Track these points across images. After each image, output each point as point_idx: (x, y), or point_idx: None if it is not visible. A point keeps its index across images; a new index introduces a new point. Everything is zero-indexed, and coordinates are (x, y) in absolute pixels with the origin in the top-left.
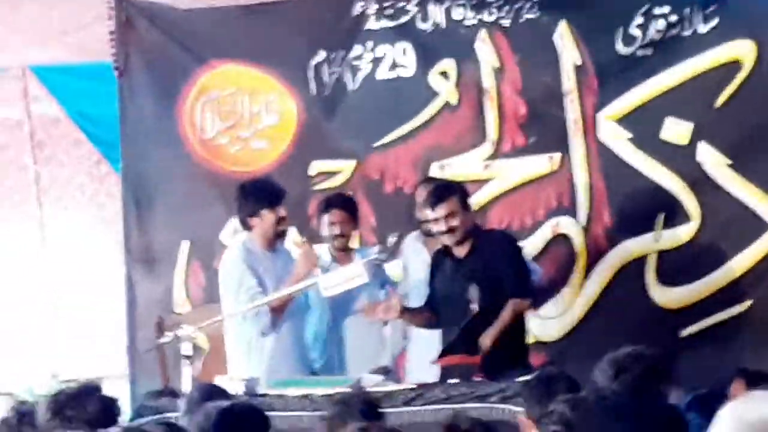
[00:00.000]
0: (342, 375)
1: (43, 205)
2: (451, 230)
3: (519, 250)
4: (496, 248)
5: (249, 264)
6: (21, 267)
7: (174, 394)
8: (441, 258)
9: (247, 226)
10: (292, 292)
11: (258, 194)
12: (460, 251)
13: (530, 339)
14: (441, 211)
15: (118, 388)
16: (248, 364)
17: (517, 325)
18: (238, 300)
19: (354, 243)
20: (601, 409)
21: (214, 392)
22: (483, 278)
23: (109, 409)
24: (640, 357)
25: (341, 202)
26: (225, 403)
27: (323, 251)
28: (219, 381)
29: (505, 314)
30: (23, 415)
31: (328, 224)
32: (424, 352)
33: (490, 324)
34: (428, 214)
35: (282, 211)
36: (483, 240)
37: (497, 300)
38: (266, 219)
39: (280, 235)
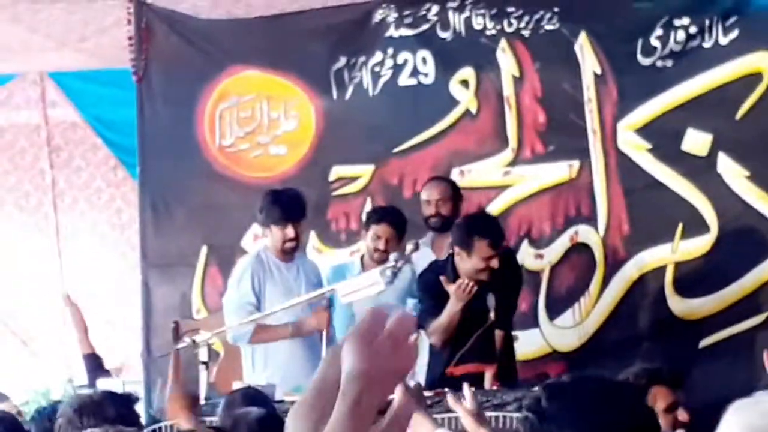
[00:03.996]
0: None
1: (59, 209)
2: (489, 270)
3: (520, 276)
4: (500, 270)
5: (253, 273)
6: (36, 272)
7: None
8: (440, 275)
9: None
10: (293, 304)
11: (270, 209)
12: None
13: (547, 349)
14: (492, 259)
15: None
16: (254, 369)
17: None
18: (228, 309)
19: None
20: (575, 394)
21: (257, 397)
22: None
23: (129, 415)
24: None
25: (394, 220)
26: (250, 411)
27: (345, 257)
28: (236, 387)
29: (498, 349)
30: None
31: (374, 236)
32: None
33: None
34: (481, 250)
35: (290, 232)
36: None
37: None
38: (274, 235)
39: (289, 252)
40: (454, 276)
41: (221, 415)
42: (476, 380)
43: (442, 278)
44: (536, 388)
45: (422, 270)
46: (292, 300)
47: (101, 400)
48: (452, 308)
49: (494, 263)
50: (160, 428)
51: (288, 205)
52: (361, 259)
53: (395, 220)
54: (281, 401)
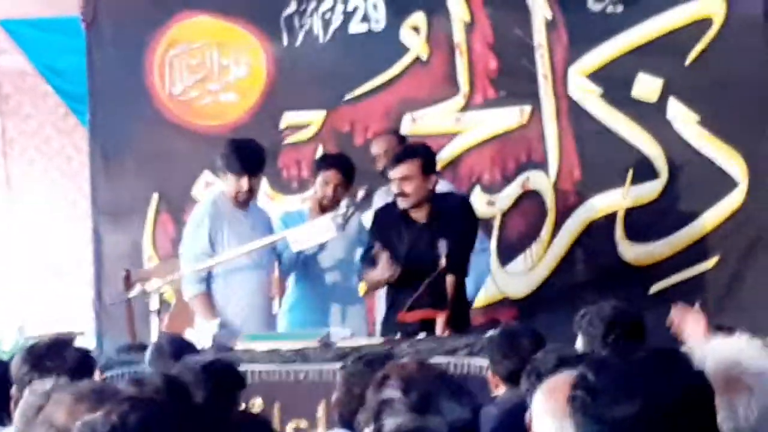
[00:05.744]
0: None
1: (8, 157)
2: (403, 194)
3: (475, 223)
4: (455, 216)
5: (211, 220)
6: None
7: (142, 348)
8: (395, 217)
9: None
10: (249, 250)
11: (229, 158)
12: (419, 215)
13: (498, 295)
14: (397, 172)
15: (84, 343)
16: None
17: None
18: (187, 257)
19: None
20: (625, 371)
21: (183, 344)
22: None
23: (85, 361)
24: (626, 312)
25: (343, 166)
26: (205, 359)
27: (297, 204)
28: (188, 334)
29: (450, 295)
30: None
31: (323, 183)
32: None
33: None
34: (389, 173)
35: (245, 184)
36: (441, 205)
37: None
38: (229, 183)
39: (243, 202)
40: (404, 217)
41: (152, 363)
42: (428, 326)
43: (376, 247)
44: (581, 367)
45: (378, 209)
46: (245, 246)
47: (58, 345)
48: (379, 277)
49: (393, 187)
50: (111, 376)
51: (247, 157)
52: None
53: (344, 166)
54: (232, 349)
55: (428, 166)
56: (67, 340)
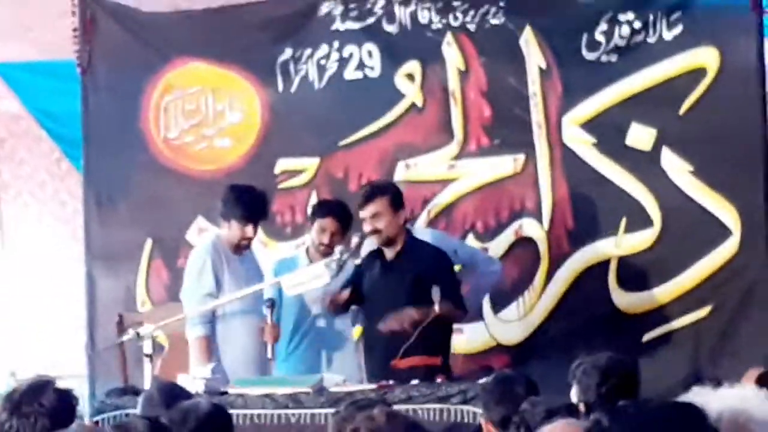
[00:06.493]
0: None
1: (2, 201)
2: (375, 232)
3: (451, 265)
4: (429, 259)
5: (213, 263)
6: None
7: (134, 392)
8: (371, 260)
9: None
10: (244, 294)
11: (235, 205)
12: (390, 253)
13: (491, 342)
14: (368, 211)
15: (76, 387)
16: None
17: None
18: (191, 299)
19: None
20: (641, 419)
21: (175, 391)
22: (412, 282)
23: (65, 402)
24: (621, 363)
25: (339, 214)
26: (199, 404)
27: (291, 250)
28: (180, 379)
29: (435, 307)
30: None
31: (319, 230)
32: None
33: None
34: (360, 213)
35: (249, 232)
36: (414, 246)
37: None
38: (233, 230)
39: (243, 248)
40: (378, 256)
41: (144, 409)
42: (421, 373)
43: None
44: (596, 414)
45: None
46: (246, 289)
47: (36, 389)
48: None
49: (365, 226)
50: (103, 420)
51: (254, 205)
52: (307, 251)
53: (341, 214)
54: (225, 393)
55: (396, 202)
56: (46, 382)
